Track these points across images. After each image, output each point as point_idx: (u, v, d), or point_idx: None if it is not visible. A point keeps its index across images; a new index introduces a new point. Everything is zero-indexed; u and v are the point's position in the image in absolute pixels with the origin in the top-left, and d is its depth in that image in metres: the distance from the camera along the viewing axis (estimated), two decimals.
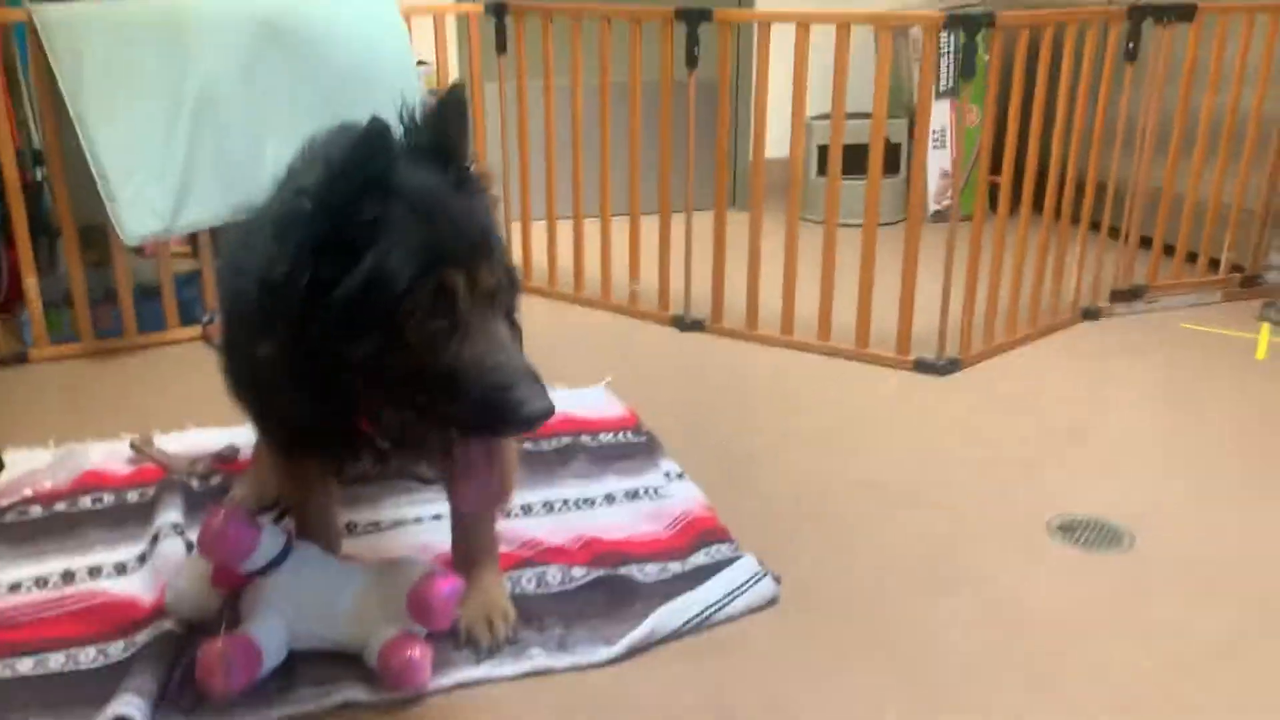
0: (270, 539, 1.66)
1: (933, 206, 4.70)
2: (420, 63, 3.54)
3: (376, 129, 1.32)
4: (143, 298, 3.14)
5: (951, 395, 2.84)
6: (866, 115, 3.03)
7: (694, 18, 3.08)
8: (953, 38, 4.54)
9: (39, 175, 3.19)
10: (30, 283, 2.97)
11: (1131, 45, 3.18)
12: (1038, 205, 3.20)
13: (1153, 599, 1.91)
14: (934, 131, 4.66)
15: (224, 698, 1.55)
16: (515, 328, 1.52)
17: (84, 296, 3.03)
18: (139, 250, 3.17)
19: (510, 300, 1.47)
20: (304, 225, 1.34)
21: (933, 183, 4.78)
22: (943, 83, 4.60)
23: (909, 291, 2.98)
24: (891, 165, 4.51)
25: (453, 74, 3.88)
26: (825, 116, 3.38)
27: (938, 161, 4.75)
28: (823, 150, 4.31)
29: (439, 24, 3.47)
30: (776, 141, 3.15)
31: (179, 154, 2.86)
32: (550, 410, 1.34)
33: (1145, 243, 3.49)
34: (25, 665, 1.65)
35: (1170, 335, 3.28)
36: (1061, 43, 3.01)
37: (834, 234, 3.05)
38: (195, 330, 3.16)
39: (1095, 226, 3.48)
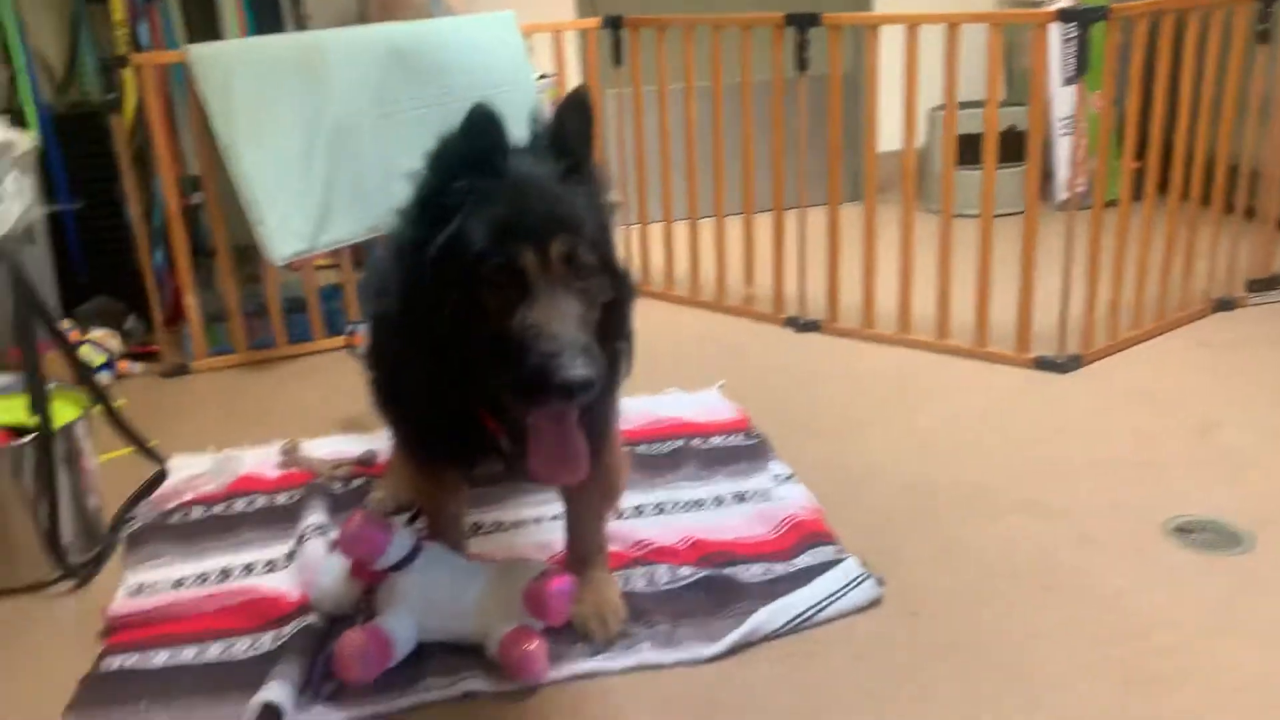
0: (402, 539, 1.81)
1: (1061, 195, 4.59)
2: (541, 76, 3.68)
3: (481, 113, 1.46)
4: (291, 310, 3.38)
5: (1072, 393, 2.80)
6: (971, 104, 3.03)
7: (803, 23, 3.12)
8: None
9: (196, 200, 3.46)
10: (190, 300, 3.24)
11: (1263, 27, 3.06)
12: (1167, 190, 3.11)
13: (1270, 602, 1.87)
14: (1062, 119, 4.55)
15: (359, 685, 1.71)
16: (619, 324, 1.61)
17: (238, 311, 3.28)
18: (288, 266, 3.40)
19: (600, 288, 1.53)
20: (416, 191, 1.52)
21: (1062, 170, 4.67)
22: (1068, 68, 4.48)
23: (1028, 285, 2.95)
24: (1016, 154, 4.42)
25: (572, 85, 4.01)
26: (940, 109, 3.37)
27: (1065, 149, 4.63)
28: (960, 139, 4.27)
29: (559, 40, 3.60)
30: (895, 136, 3.16)
31: (318, 179, 3.07)
32: (586, 380, 1.37)
33: None
34: (189, 653, 1.85)
35: None
36: (1184, 28, 2.93)
37: (949, 226, 3.05)
38: (340, 340, 3.38)
39: (1230, 210, 3.36)
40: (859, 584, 1.91)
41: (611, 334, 1.60)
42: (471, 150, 1.47)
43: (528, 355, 1.40)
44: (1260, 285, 3.35)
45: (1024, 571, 2.00)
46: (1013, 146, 3.58)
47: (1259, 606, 1.86)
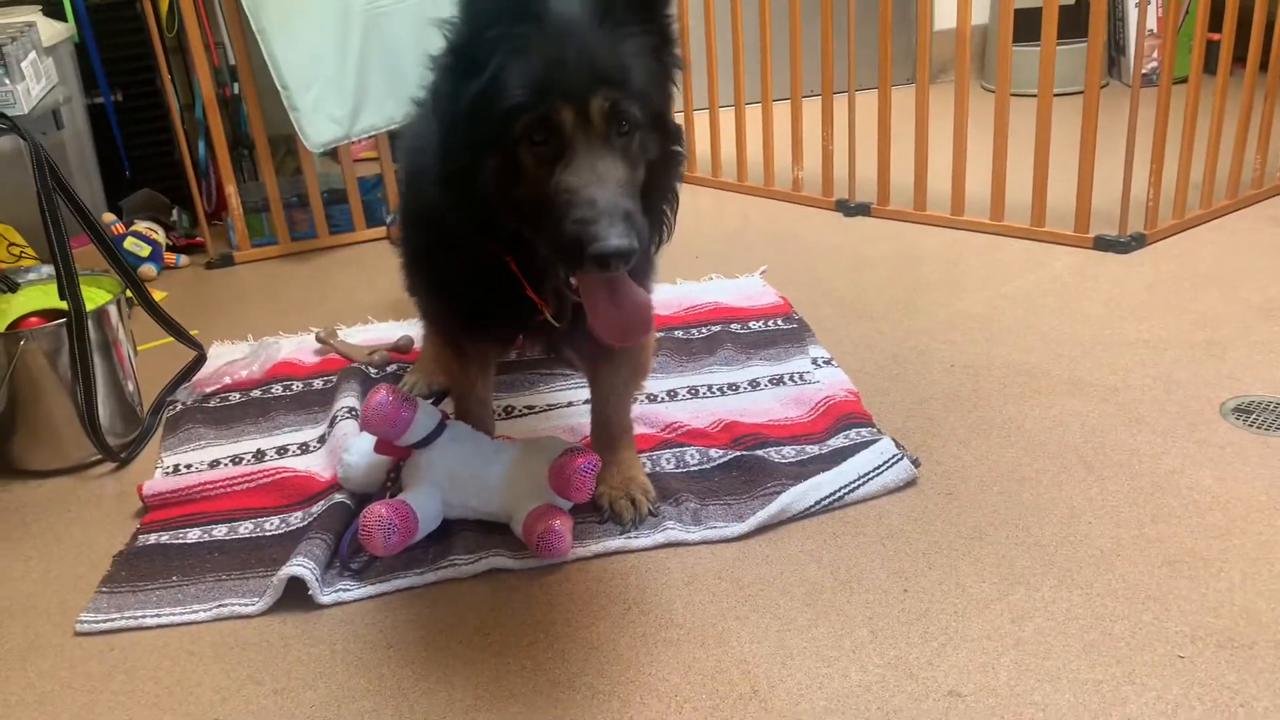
0: (424, 416, 1.79)
1: (1132, 70, 4.35)
2: None
3: None
4: (332, 202, 3.36)
5: (1132, 273, 2.68)
6: None
7: None
8: None
9: (235, 90, 3.43)
10: (231, 190, 3.23)
11: None
12: (1247, 62, 2.92)
13: None
14: None
15: (384, 556, 1.71)
16: (666, 185, 1.52)
17: (279, 202, 3.27)
18: (330, 155, 3.37)
19: (646, 146, 1.43)
20: (448, 38, 1.40)
21: (1132, 45, 4.42)
22: None
23: (1088, 163, 2.81)
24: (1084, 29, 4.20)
25: None
26: None
27: (1145, 21, 4.37)
28: (1021, 14, 4.06)
29: None
30: (953, 12, 2.98)
31: (352, 65, 3.02)
32: (625, 250, 1.27)
33: None
34: (220, 531, 1.87)
35: None
36: None
37: (1006, 104, 2.90)
38: (380, 230, 3.36)
39: None
40: (893, 464, 1.86)
41: (656, 196, 1.51)
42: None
43: (563, 221, 1.30)
44: None
45: (1068, 452, 1.93)
46: (1080, 21, 3.37)
47: None
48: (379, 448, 1.83)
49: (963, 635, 1.50)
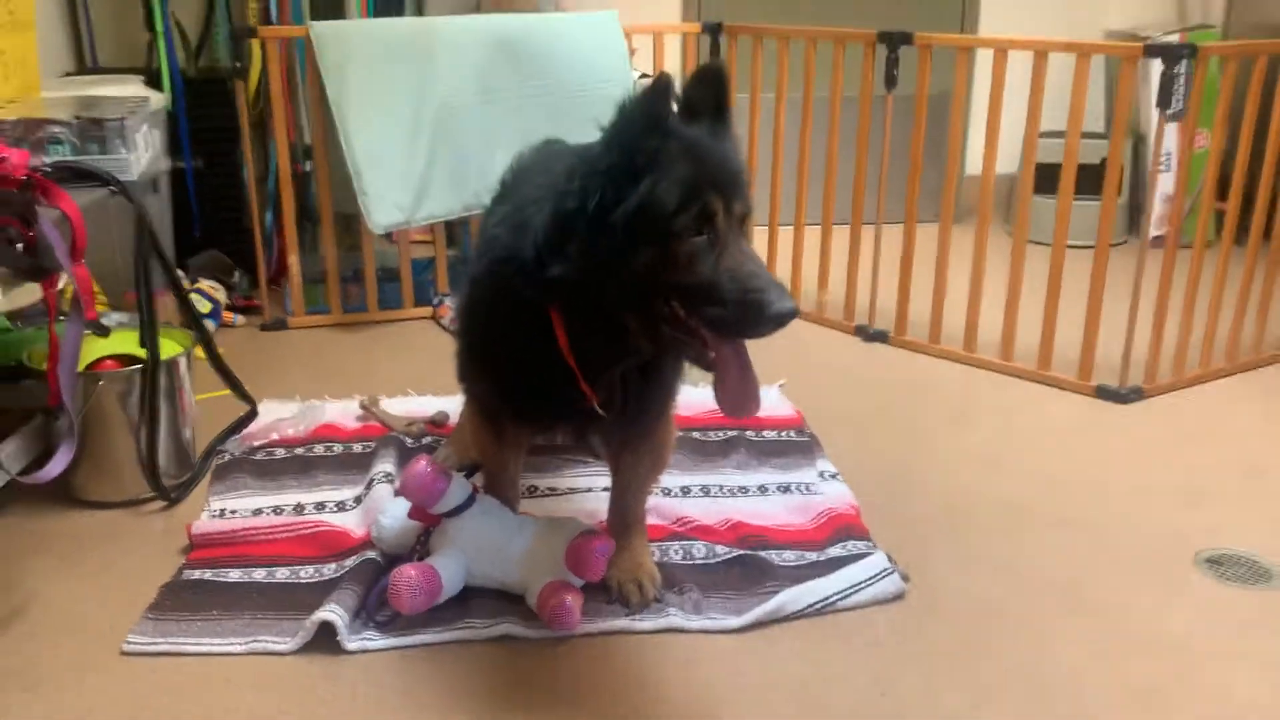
0: (458, 488, 1.96)
1: (1153, 231, 4.56)
2: (642, 76, 3.82)
3: (663, 83, 1.57)
4: (385, 279, 3.59)
5: (1128, 424, 2.84)
6: (1090, 135, 3.06)
7: (895, 40, 3.21)
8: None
9: (307, 168, 3.69)
10: (293, 260, 3.46)
11: None
12: (1255, 234, 3.12)
13: None
14: (1164, 155, 4.53)
15: (409, 615, 1.86)
16: None
17: (336, 275, 3.49)
18: (387, 237, 3.61)
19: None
20: (598, 158, 1.57)
21: (1157, 207, 4.64)
22: (1174, 105, 4.46)
23: (1094, 315, 2.99)
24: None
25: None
26: (1049, 135, 3.39)
27: (1163, 186, 4.61)
28: (1042, 168, 4.30)
29: (659, 42, 3.74)
30: (979, 159, 3.21)
31: (421, 156, 3.27)
32: (795, 311, 1.51)
33: None
34: (259, 574, 2.03)
35: None
36: (1278, 70, 2.93)
37: (1022, 251, 3.10)
38: (427, 310, 3.57)
39: None
40: (884, 577, 2.00)
41: None
42: (652, 117, 1.55)
43: (733, 293, 1.51)
44: None
45: (1047, 585, 2.07)
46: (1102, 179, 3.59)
47: (1270, 641, 1.90)
48: (412, 513, 1.99)
49: None
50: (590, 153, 1.59)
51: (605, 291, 1.59)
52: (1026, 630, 1.92)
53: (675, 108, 1.62)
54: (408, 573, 1.86)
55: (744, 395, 1.63)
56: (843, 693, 1.74)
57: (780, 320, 1.50)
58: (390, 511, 2.08)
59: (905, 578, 2.03)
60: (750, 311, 1.51)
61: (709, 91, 1.67)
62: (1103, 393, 2.97)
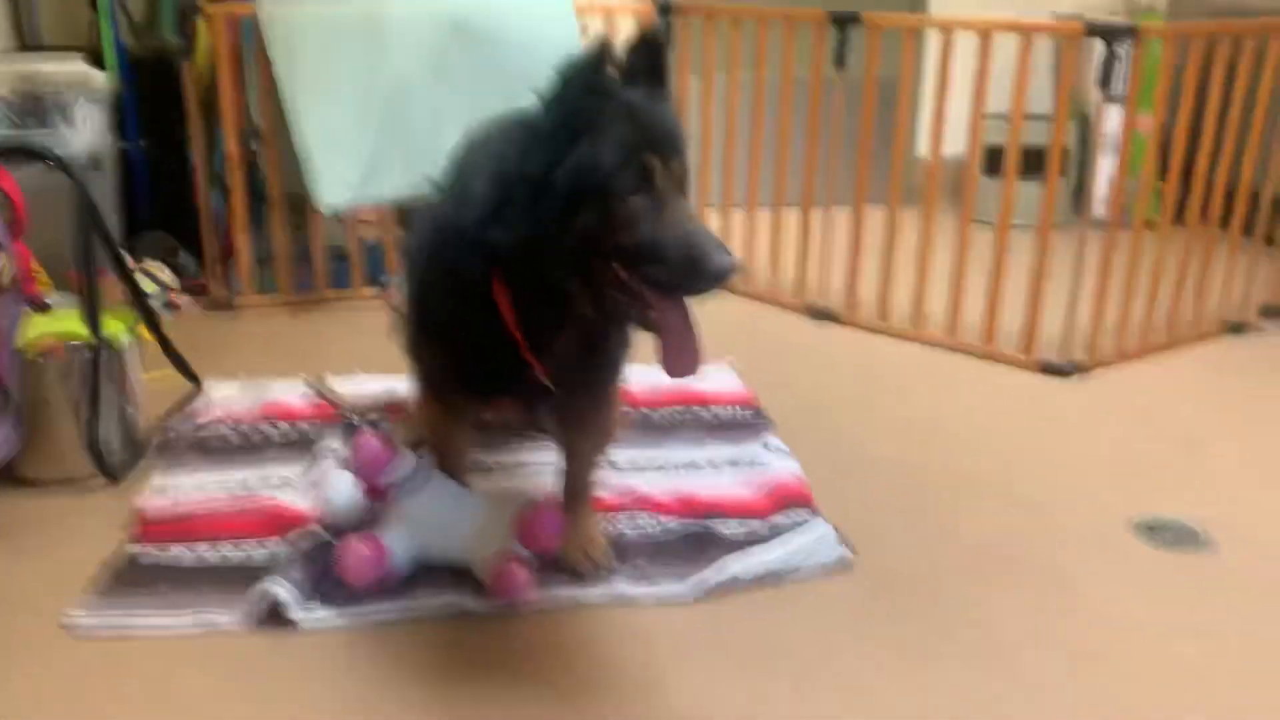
0: (406, 459, 1.96)
1: (1098, 211, 4.65)
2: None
3: (600, 47, 1.56)
4: (334, 260, 3.56)
5: (1070, 398, 2.89)
6: (1035, 117, 3.10)
7: (844, 21, 3.23)
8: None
9: (253, 147, 3.64)
10: (241, 241, 3.43)
11: None
12: (1193, 213, 3.19)
13: (1222, 603, 1.97)
14: (1106, 136, 4.61)
15: (356, 588, 1.86)
16: None
17: (286, 255, 3.46)
18: (335, 217, 3.58)
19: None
20: (537, 122, 1.59)
21: (1101, 188, 4.73)
22: (1114, 86, 4.53)
23: (1037, 293, 3.05)
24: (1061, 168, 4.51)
25: None
26: (996, 116, 3.44)
27: (1106, 167, 4.69)
28: (990, 150, 4.35)
29: (611, 22, 3.74)
30: (935, 140, 3.25)
31: (370, 136, 3.25)
32: (735, 266, 1.53)
33: None
34: (204, 550, 2.02)
35: None
36: (1214, 53, 3.00)
37: (967, 232, 3.15)
38: (375, 291, 3.55)
39: (1249, 235, 3.42)
40: (829, 546, 2.04)
41: None
42: (591, 80, 1.56)
43: (674, 251, 1.53)
44: (1275, 312, 3.41)
45: (991, 554, 2.11)
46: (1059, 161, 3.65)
47: (1203, 602, 1.96)
48: (362, 486, 1.99)
49: (872, 699, 1.67)
50: (530, 119, 1.61)
51: (546, 256, 1.60)
52: (969, 598, 1.97)
53: (613, 73, 1.63)
54: (354, 545, 1.86)
55: (686, 356, 1.63)
56: (788, 660, 1.77)
57: (721, 275, 1.52)
58: (338, 488, 2.07)
59: (851, 548, 2.06)
60: (691, 268, 1.52)
61: (646, 57, 1.68)
62: (1046, 368, 3.03)
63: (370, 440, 1.92)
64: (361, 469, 1.94)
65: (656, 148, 1.58)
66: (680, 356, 1.63)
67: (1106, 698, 1.69)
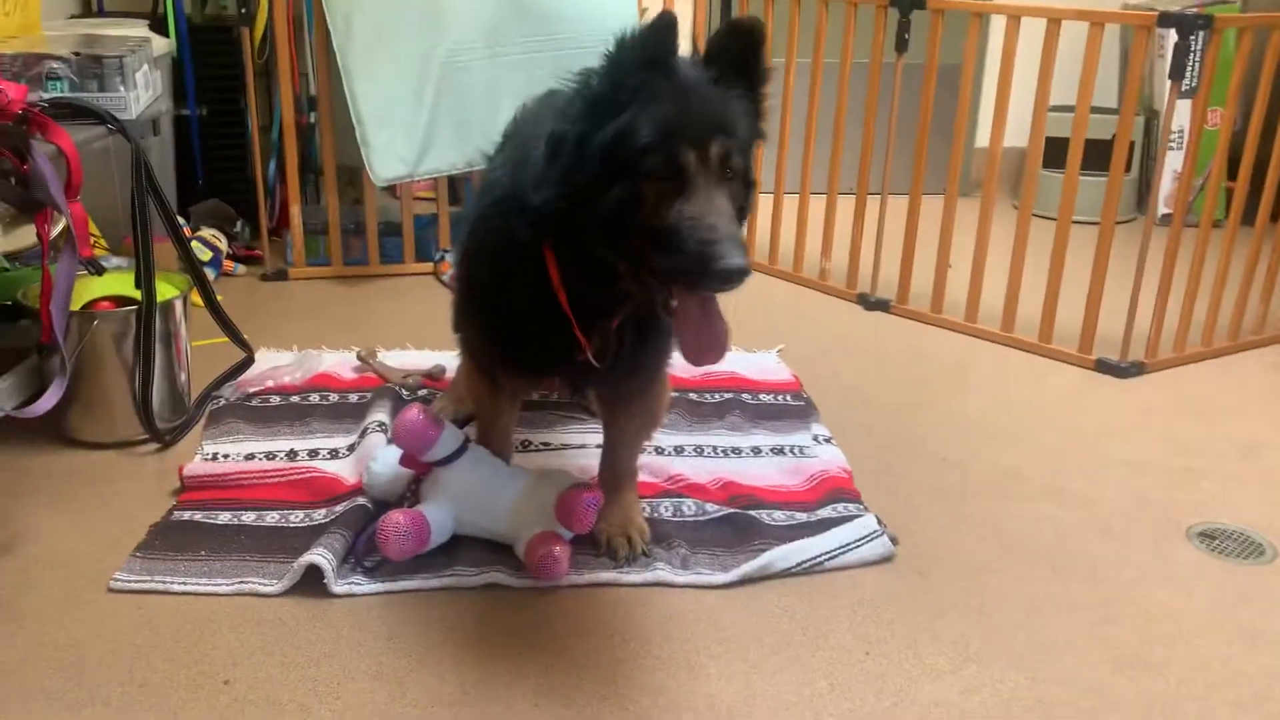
0: (450, 437, 1.96)
1: (1161, 209, 4.53)
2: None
3: (666, 20, 1.52)
4: (386, 234, 3.57)
5: (1127, 398, 2.82)
6: (1102, 110, 3.01)
7: (906, 4, 3.17)
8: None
9: (311, 119, 3.66)
10: (295, 210, 3.45)
11: None
12: (1263, 213, 3.09)
13: (1272, 613, 1.90)
14: (1174, 132, 4.49)
15: (396, 561, 1.86)
16: (743, 213, 1.66)
17: (338, 227, 3.48)
18: (390, 190, 3.59)
19: (738, 193, 1.60)
20: (589, 88, 1.56)
21: (1166, 185, 4.61)
22: (1187, 81, 4.41)
23: (1097, 289, 2.97)
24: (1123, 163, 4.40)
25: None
26: (1061, 109, 3.35)
27: (1173, 163, 4.57)
28: (1053, 142, 4.26)
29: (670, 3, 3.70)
30: (988, 132, 3.18)
31: (425, 109, 3.24)
32: (744, 269, 1.45)
33: None
34: (249, 517, 2.03)
35: None
36: None
37: (1027, 224, 3.08)
38: (427, 266, 3.56)
39: None
40: (873, 539, 2.00)
41: None
42: (649, 52, 1.52)
43: (687, 243, 1.47)
44: None
45: (1038, 552, 2.06)
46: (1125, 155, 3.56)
47: (1259, 615, 1.90)
48: (404, 461, 1.99)
49: (913, 699, 1.64)
50: (584, 85, 1.58)
51: (585, 226, 1.56)
52: (1014, 596, 1.92)
53: (683, 50, 1.58)
54: (395, 519, 1.86)
55: (703, 344, 1.58)
56: (826, 650, 1.74)
57: (727, 276, 1.45)
58: (381, 458, 2.07)
59: (894, 540, 2.03)
60: (699, 264, 1.46)
61: (733, 44, 1.61)
62: (1102, 366, 2.96)
63: (415, 416, 1.92)
64: (405, 444, 1.93)
65: (697, 133, 1.52)
66: (696, 346, 1.58)
67: (1156, 705, 1.65)
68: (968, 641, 1.78)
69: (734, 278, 1.45)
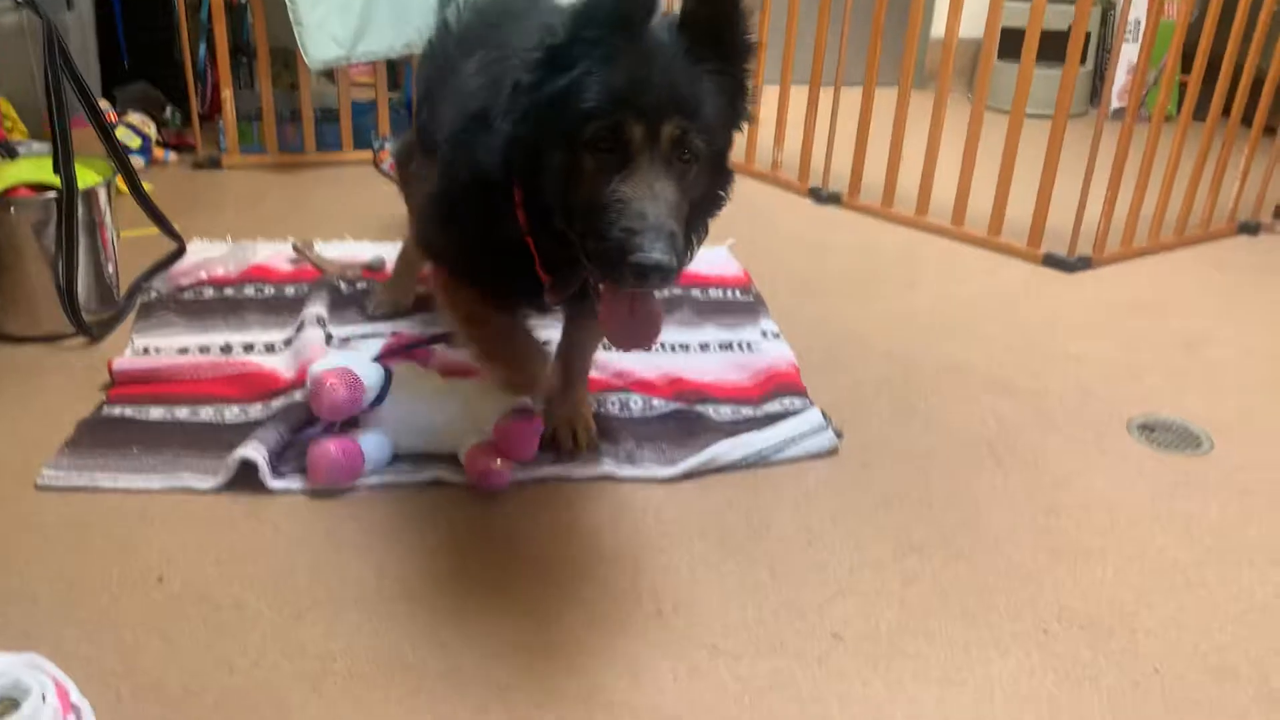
0: (372, 385, 1.83)
1: (1114, 103, 4.50)
2: None
3: None
4: (324, 120, 3.44)
5: (1074, 293, 2.83)
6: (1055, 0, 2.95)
7: None
8: None
9: None
10: (226, 95, 3.30)
11: None
12: (1215, 108, 3.07)
13: (1211, 501, 1.94)
14: (1131, 23, 4.43)
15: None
16: (701, 222, 1.56)
17: (273, 113, 3.34)
18: (327, 75, 3.45)
19: (700, 180, 1.46)
20: (555, 35, 1.40)
21: (1121, 77, 4.57)
22: None
23: (1048, 185, 2.95)
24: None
25: None
26: None
27: (1128, 55, 4.52)
28: (1009, 33, 4.17)
29: None
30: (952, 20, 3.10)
31: None
32: (661, 266, 1.29)
33: None
34: (182, 412, 1.97)
35: None
36: None
37: (980, 117, 3.03)
38: (365, 154, 3.44)
39: (1270, 132, 3.30)
40: (818, 433, 2.00)
41: (689, 228, 1.51)
42: (617, 9, 1.36)
43: (611, 228, 1.33)
44: None
45: (981, 445, 2.07)
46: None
47: (1194, 504, 1.93)
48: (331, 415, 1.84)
49: (854, 589, 1.65)
50: (551, 25, 1.41)
51: (535, 181, 1.44)
52: (956, 486, 1.93)
53: (663, 13, 1.41)
54: (328, 448, 1.77)
55: (627, 333, 1.45)
56: (769, 542, 1.74)
57: (640, 272, 1.29)
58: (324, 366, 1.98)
59: (839, 433, 2.02)
60: (615, 253, 1.32)
61: (707, 10, 1.41)
62: (1050, 261, 2.96)
63: (334, 390, 1.79)
64: (328, 418, 1.83)
65: (649, 106, 1.35)
66: (619, 335, 1.46)
67: (1094, 592, 1.67)
68: (909, 532, 1.79)
69: (648, 275, 1.30)
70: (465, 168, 1.59)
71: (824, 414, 2.05)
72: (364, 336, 2.24)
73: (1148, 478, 2.00)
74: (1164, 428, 2.17)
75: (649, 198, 1.33)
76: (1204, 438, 2.14)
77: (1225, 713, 1.44)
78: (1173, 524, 1.86)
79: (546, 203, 1.45)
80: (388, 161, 3.34)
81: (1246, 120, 3.18)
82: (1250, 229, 3.27)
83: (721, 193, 1.57)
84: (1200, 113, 3.10)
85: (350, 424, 1.88)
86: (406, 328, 2.31)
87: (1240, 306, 2.79)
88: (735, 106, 1.50)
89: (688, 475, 1.89)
